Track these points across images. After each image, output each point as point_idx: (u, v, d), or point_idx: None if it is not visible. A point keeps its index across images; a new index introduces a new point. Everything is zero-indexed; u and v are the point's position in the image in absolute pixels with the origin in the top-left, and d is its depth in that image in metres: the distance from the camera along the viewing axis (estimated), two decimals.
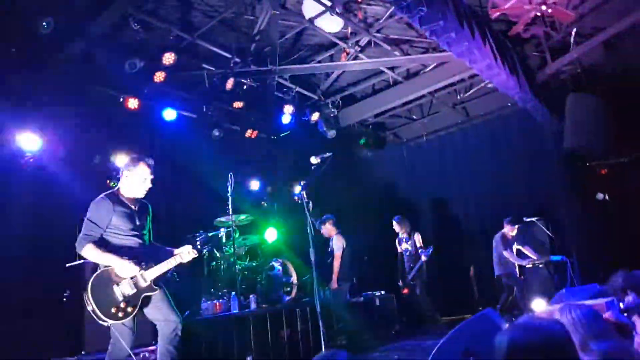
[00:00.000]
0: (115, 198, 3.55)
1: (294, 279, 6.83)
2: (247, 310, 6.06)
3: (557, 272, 7.77)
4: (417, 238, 7.86)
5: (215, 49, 6.70)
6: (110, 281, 3.33)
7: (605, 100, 7.33)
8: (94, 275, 3.34)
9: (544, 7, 5.74)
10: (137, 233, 3.56)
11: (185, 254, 3.63)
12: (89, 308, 3.23)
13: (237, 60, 6.84)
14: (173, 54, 6.04)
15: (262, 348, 5.80)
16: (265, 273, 6.71)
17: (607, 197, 9.03)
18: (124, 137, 6.68)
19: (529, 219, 8.06)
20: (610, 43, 7.00)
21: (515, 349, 1.37)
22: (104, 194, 3.58)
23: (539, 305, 6.42)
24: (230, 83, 6.78)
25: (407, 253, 7.87)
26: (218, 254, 6.63)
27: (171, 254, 3.62)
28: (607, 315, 3.05)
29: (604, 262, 7.75)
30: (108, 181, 6.16)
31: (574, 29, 6.87)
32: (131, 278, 3.37)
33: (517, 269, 7.68)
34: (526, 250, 7.75)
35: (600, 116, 7.33)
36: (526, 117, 8.33)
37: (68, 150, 6.10)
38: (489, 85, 8.25)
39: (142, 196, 3.66)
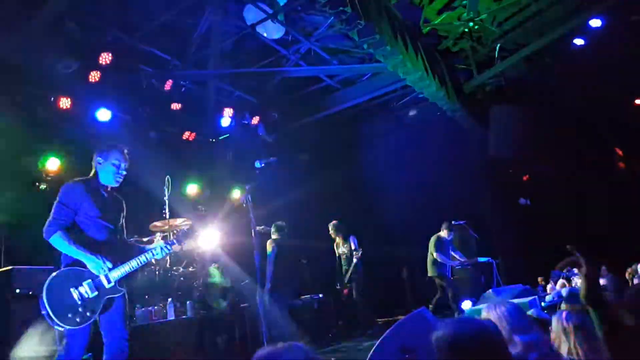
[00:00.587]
0: (89, 183, 3.33)
1: (232, 284, 6.80)
2: (183, 317, 5.96)
3: (483, 273, 8.27)
4: (353, 241, 8.07)
5: (154, 50, 6.58)
6: (68, 283, 3.09)
7: (527, 111, 7.94)
8: (51, 276, 3.08)
9: (471, 24, 6.15)
10: (109, 226, 3.34)
11: (158, 250, 3.44)
12: (44, 312, 2.99)
13: (177, 62, 6.76)
14: (110, 54, 5.87)
15: (199, 355, 5.73)
16: (203, 279, 6.63)
17: (529, 202, 9.76)
18: (55, 138, 6.38)
19: (457, 222, 8.52)
20: (531, 58, 7.60)
21: (455, 341, 1.51)
22: (76, 178, 3.36)
23: (467, 305, 6.84)
24: (168, 84, 6.68)
25: (344, 256, 8.05)
26: (153, 260, 6.46)
27: (143, 251, 3.42)
28: (530, 311, 3.38)
29: (526, 263, 8.38)
30: (37, 184, 5.89)
31: (498, 45, 7.40)
32: (94, 279, 3.15)
33: (449, 270, 8.08)
34: (454, 254, 8.18)
35: (522, 126, 7.94)
36: (454, 126, 8.82)
37: None
38: (420, 95, 8.65)
39: (116, 185, 3.43)
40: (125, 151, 3.42)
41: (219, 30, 6.21)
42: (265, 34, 6.49)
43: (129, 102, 7.29)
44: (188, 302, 6.15)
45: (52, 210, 3.21)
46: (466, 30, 6.32)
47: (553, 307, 5.23)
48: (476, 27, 6.11)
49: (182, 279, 6.51)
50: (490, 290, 6.83)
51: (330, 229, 8.21)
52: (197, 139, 8.33)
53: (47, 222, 3.18)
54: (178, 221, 6.93)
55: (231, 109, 7.92)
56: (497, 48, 7.47)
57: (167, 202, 5.97)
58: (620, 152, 9.95)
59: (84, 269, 3.16)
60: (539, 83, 8.24)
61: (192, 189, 8.52)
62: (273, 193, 7.76)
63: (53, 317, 2.98)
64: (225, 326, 6.27)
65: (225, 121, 8.03)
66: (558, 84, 7.84)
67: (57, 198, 3.24)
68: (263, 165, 3.94)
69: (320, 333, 7.48)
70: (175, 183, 6.61)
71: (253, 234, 3.50)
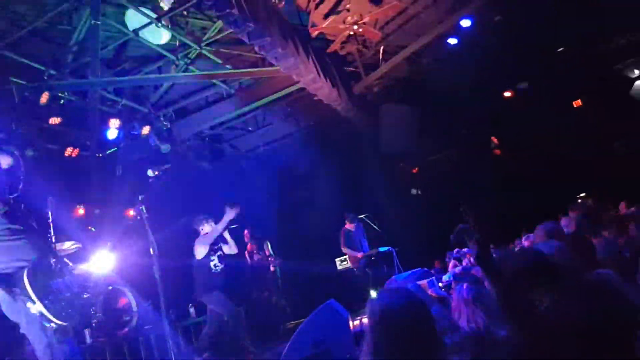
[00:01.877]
0: None
1: (134, 306, 6.43)
2: (82, 344, 5.54)
3: (385, 262, 8.68)
4: (267, 247, 8.05)
5: (25, 61, 6.01)
6: None
7: (412, 108, 8.48)
8: None
9: (355, 27, 6.42)
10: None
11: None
12: None
13: (52, 72, 6.23)
14: None
15: None
16: (100, 304, 6.20)
17: (419, 192, 10.43)
18: None
19: (359, 216, 8.88)
20: (412, 59, 8.12)
21: (386, 310, 1.60)
22: None
23: (373, 294, 7.15)
24: (44, 97, 6.14)
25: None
26: None
27: None
28: (430, 291, 3.66)
29: (422, 249, 8.94)
30: None
31: (382, 47, 7.81)
32: None
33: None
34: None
35: (408, 123, 8.46)
36: (349, 125, 9.16)
37: None
38: (315, 98, 8.85)
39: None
40: (16, 153, 3.15)
41: (98, 37, 5.84)
42: (150, 39, 6.23)
43: (1, 119, 6.60)
44: (86, 330, 5.74)
45: None
46: (351, 33, 6.59)
47: (449, 286, 5.66)
48: (360, 29, 6.40)
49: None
50: (393, 276, 7.20)
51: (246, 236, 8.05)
52: (82, 154, 7.74)
53: None
54: (66, 245, 6.40)
55: (117, 120, 7.47)
56: (381, 50, 7.87)
57: (51, 225, 5.47)
58: (495, 141, 11.01)
59: None
60: (420, 81, 8.82)
61: (79, 209, 7.93)
62: (171, 203, 7.48)
63: None
64: (130, 351, 5.95)
65: (112, 133, 7.55)
66: (437, 81, 8.45)
67: None
68: (156, 173, 3.77)
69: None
70: (61, 204, 6.09)
71: (152, 250, 3.33)
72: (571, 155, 9.19)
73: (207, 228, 5.96)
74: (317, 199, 10.02)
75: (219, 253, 5.95)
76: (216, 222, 5.88)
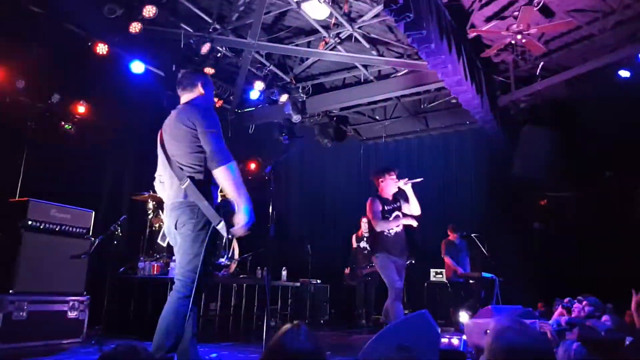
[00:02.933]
0: None
1: (236, 254, 6.83)
2: None
3: (484, 288, 8.21)
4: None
5: (196, 11, 6.56)
6: None
7: (558, 136, 7.78)
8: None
9: (519, 36, 6.02)
10: None
11: None
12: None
13: (217, 27, 6.73)
14: (154, 7, 5.86)
15: None
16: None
17: (542, 226, 9.62)
18: (87, 81, 6.45)
19: (467, 234, 8.46)
20: (571, 82, 7.42)
21: (512, 350, 1.49)
22: None
23: (463, 317, 6.80)
24: (206, 47, 6.66)
25: (366, 251, 8.08)
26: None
27: None
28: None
29: (525, 286, 8.29)
30: (62, 123, 5.93)
31: (542, 63, 7.25)
32: None
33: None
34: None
35: (550, 150, 7.79)
36: (480, 138, 8.71)
37: (28, 83, 5.81)
38: (453, 101, 8.52)
39: None
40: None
41: (264, 1, 6.16)
42: (309, 13, 6.42)
43: (164, 58, 7.31)
44: None
45: (217, 140, 2.84)
46: (512, 42, 6.19)
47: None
48: (523, 40, 5.97)
49: None
50: (489, 306, 6.77)
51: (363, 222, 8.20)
52: (224, 106, 8.36)
53: (218, 149, 2.80)
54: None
55: (262, 83, 7.89)
56: (540, 66, 7.32)
57: None
58: None
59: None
60: (574, 109, 8.05)
61: None
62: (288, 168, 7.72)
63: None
64: (222, 294, 6.35)
65: (255, 94, 8.03)
66: (593, 114, 7.65)
67: (213, 128, 2.86)
68: (289, 142, 3.90)
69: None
70: None
71: (271, 208, 3.46)
72: None
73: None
74: (424, 205, 9.73)
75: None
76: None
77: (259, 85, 7.84)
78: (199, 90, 3.12)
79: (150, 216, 6.32)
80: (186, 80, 3.13)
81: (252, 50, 7.12)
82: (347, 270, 8.26)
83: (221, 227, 2.73)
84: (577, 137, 8.09)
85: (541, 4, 5.83)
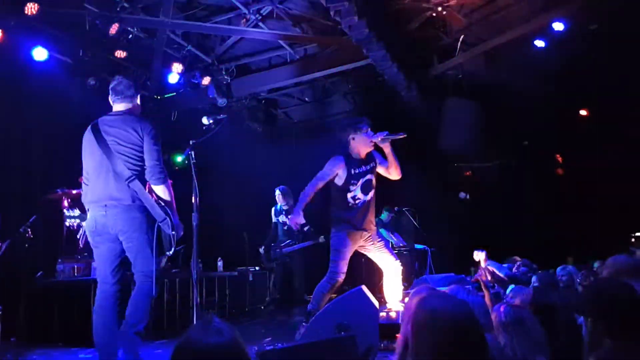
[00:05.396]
0: None
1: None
2: None
3: (417, 260, 8.41)
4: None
5: None
6: None
7: (480, 108, 8.01)
8: None
9: (439, 8, 6.06)
10: None
11: None
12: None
13: (125, 5, 6.22)
14: None
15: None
16: None
17: (468, 196, 9.99)
18: None
19: (399, 208, 8.58)
20: (491, 54, 7.63)
21: (436, 315, 1.43)
22: None
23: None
24: (114, 28, 6.13)
25: (285, 227, 7.45)
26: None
27: None
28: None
29: (456, 254, 8.58)
30: None
31: (462, 36, 7.37)
32: None
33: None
34: (394, 237, 8.24)
35: (473, 122, 8.01)
36: (408, 112, 8.78)
37: None
38: (378, 79, 8.47)
39: None
40: None
41: None
42: None
43: (69, 43, 6.69)
44: None
45: (159, 157, 3.26)
46: (434, 15, 6.23)
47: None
48: (444, 12, 6.03)
49: None
50: (424, 276, 6.93)
51: (278, 194, 7.37)
52: (141, 93, 7.81)
53: (161, 168, 3.22)
54: None
55: (180, 65, 7.44)
56: (460, 39, 7.44)
57: None
58: (560, 159, 10.36)
59: None
60: (494, 81, 8.32)
61: None
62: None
63: None
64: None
65: (173, 77, 7.55)
66: (512, 84, 7.94)
67: (158, 145, 3.27)
68: (211, 122, 3.65)
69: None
70: None
71: (193, 198, 3.21)
72: None
73: None
74: None
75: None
76: None
77: (177, 68, 7.36)
78: (136, 102, 3.37)
79: (66, 215, 5.81)
80: (124, 89, 3.33)
81: (166, 29, 6.68)
82: (261, 250, 7.44)
83: (165, 223, 3.06)
84: (497, 107, 8.39)
85: None
